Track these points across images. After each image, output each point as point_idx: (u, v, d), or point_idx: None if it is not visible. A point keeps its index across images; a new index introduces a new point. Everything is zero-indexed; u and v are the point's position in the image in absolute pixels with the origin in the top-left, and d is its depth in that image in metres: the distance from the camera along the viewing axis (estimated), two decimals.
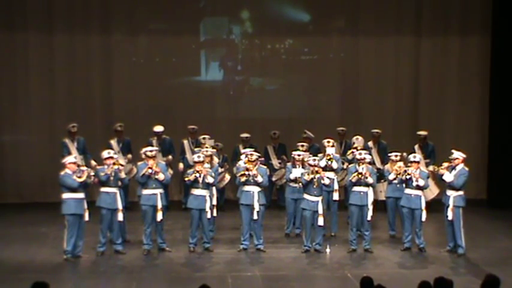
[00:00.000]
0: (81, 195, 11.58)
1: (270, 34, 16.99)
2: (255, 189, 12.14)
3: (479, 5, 16.82)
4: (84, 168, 11.90)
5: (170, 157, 15.00)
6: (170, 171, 12.32)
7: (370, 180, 12.10)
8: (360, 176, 12.06)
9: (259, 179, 12.11)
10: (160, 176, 11.91)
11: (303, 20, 17.13)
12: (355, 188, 12.24)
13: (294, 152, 12.93)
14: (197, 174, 11.95)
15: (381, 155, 14.81)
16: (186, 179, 12.11)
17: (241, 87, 17.27)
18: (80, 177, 11.43)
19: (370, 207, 12.13)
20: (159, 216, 11.97)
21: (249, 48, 17.18)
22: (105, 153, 12.02)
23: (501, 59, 16.07)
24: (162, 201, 12.04)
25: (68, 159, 11.82)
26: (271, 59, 17.13)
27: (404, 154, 13.07)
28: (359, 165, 12.22)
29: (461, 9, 16.90)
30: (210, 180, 12.01)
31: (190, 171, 12.17)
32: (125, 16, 16.56)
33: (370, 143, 15.10)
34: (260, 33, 17.03)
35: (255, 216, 12.12)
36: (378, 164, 14.69)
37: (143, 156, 12.20)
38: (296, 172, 12.37)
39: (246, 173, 12.05)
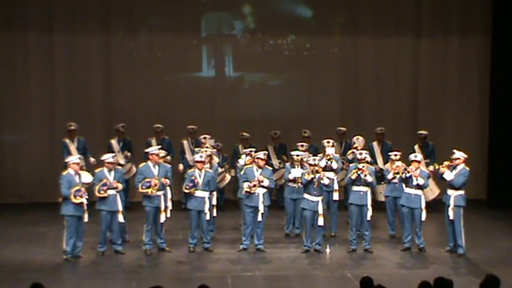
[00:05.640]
0: None
1: (272, 30, 16.92)
2: (260, 191, 12.13)
3: (479, 5, 16.81)
4: (89, 175, 11.89)
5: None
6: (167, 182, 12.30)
7: (369, 178, 12.09)
8: (359, 172, 12.05)
9: (266, 182, 12.13)
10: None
11: (305, 15, 17.11)
12: (355, 188, 12.24)
13: (292, 152, 12.93)
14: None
15: (384, 155, 14.73)
16: (187, 191, 12.13)
17: (242, 84, 17.23)
18: (75, 197, 11.38)
19: (370, 207, 12.14)
20: (162, 217, 11.98)
21: (251, 44, 17.12)
22: (109, 158, 12.01)
23: (501, 59, 16.05)
24: (166, 202, 12.06)
25: (71, 159, 11.82)
26: (273, 54, 17.07)
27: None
28: (359, 164, 12.24)
29: (461, 9, 16.90)
30: None
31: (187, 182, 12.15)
32: (125, 12, 16.52)
33: (375, 143, 15.09)
34: (262, 28, 16.98)
35: (260, 218, 12.12)
36: (381, 165, 14.68)
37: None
38: (295, 172, 12.36)
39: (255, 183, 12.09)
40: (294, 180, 12.41)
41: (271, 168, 12.71)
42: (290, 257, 11.97)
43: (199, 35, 16.95)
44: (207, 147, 13.41)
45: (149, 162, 12.13)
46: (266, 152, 12.69)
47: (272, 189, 12.92)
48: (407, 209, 12.16)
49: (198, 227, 12.18)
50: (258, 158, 12.27)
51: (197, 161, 12.21)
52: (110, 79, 16.52)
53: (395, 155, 12.70)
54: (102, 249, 11.91)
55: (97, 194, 11.72)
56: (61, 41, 16.25)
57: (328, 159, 12.99)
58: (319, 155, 13.09)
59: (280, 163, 15.26)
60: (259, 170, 12.22)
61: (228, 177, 14.75)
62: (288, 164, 13.03)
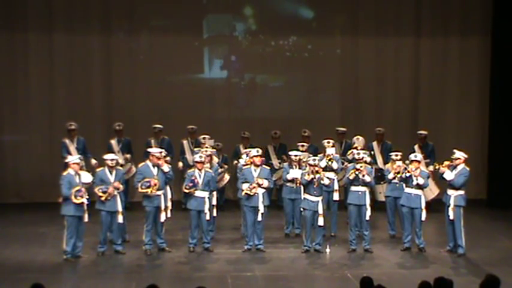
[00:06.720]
0: None
1: (274, 31, 16.93)
2: (260, 191, 12.12)
3: (479, 5, 16.82)
4: (89, 175, 11.92)
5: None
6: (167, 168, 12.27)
7: (367, 178, 12.08)
8: (357, 171, 12.04)
9: (265, 184, 12.12)
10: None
11: (306, 17, 17.12)
12: (354, 188, 12.24)
13: (290, 152, 12.93)
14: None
15: (384, 155, 14.75)
16: (186, 190, 12.12)
17: (243, 84, 17.21)
18: (76, 197, 11.38)
19: (369, 207, 12.14)
20: (162, 217, 11.98)
21: (253, 45, 17.10)
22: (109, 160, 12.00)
23: (501, 59, 16.06)
24: (166, 202, 12.06)
25: (72, 159, 11.81)
26: (275, 55, 17.08)
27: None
28: (357, 164, 12.23)
29: (461, 10, 16.91)
30: None
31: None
32: (126, 13, 16.52)
33: (374, 143, 15.11)
34: (263, 29, 16.98)
35: (260, 218, 12.11)
36: (380, 165, 14.68)
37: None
38: (294, 173, 12.35)
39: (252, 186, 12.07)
40: (292, 181, 12.41)
41: (268, 168, 12.69)
42: (290, 257, 11.97)
43: (201, 37, 16.95)
44: (206, 147, 13.41)
45: (148, 162, 12.13)
46: (259, 149, 12.65)
47: (272, 189, 12.91)
48: (407, 209, 12.15)
49: (198, 227, 12.18)
50: (253, 156, 12.26)
51: (197, 161, 12.21)
52: (110, 79, 16.51)
53: (396, 155, 12.70)
54: (102, 249, 11.91)
55: (95, 191, 11.73)
56: (61, 41, 16.25)
57: (329, 160, 12.99)
58: (319, 155, 13.10)
59: (280, 163, 15.26)
60: (257, 170, 12.22)
61: (226, 177, 14.75)
62: (285, 164, 13.02)
